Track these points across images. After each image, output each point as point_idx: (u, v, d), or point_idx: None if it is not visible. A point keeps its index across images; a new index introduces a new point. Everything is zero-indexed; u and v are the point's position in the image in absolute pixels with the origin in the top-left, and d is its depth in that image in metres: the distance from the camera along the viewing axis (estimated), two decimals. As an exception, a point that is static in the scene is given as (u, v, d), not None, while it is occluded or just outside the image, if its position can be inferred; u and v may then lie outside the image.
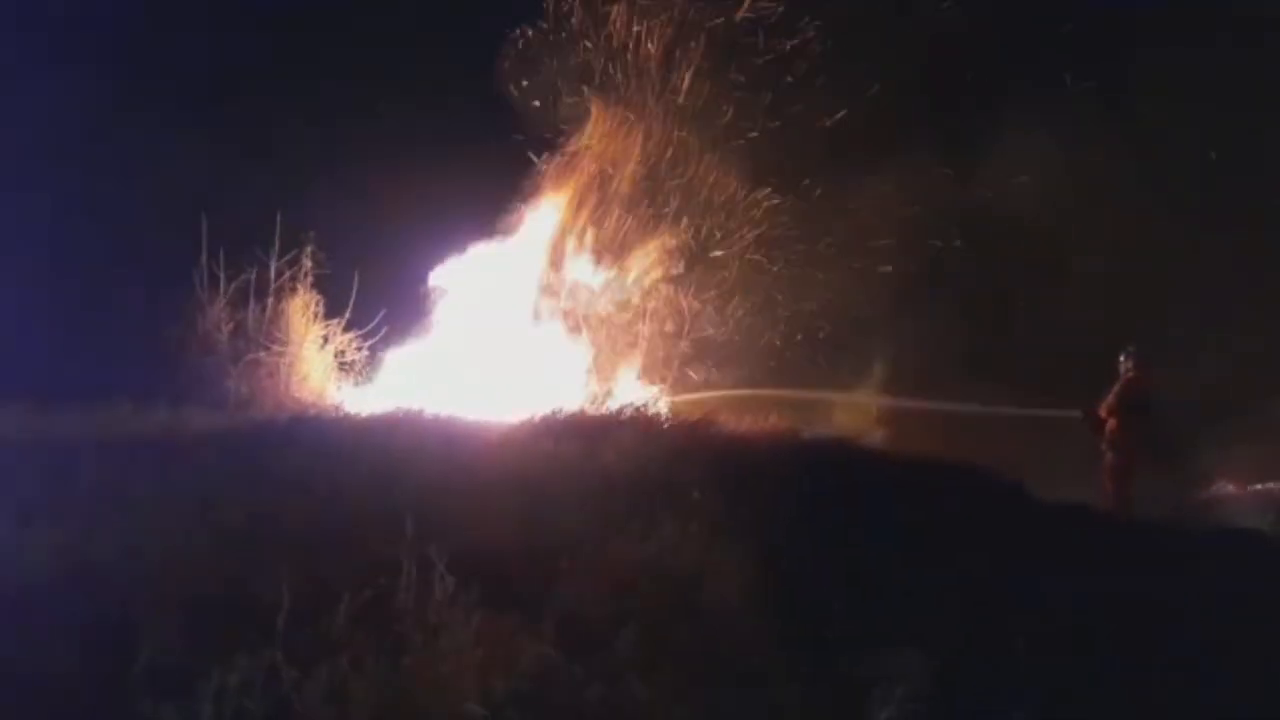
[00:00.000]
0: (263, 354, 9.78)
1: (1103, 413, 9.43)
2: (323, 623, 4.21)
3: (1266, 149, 12.74)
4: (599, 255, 11.73)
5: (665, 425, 8.81)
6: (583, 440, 7.73)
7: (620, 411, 9.16)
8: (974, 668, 4.91)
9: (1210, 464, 11.65)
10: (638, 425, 8.61)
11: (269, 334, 9.87)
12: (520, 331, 11.37)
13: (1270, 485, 11.85)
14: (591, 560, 5.41)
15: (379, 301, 10.47)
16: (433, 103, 11.67)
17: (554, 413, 8.78)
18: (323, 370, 10.08)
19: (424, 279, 11.17)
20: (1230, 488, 11.46)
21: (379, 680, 3.92)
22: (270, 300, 9.95)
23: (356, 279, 10.16)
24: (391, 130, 11.82)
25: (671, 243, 11.94)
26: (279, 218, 9.88)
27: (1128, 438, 9.33)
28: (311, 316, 10.13)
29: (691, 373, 11.91)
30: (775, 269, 12.18)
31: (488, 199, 11.53)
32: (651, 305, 11.93)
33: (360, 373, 10.36)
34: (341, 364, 10.26)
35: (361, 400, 9.82)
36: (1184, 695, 5.12)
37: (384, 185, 11.03)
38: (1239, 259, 12.62)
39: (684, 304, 11.96)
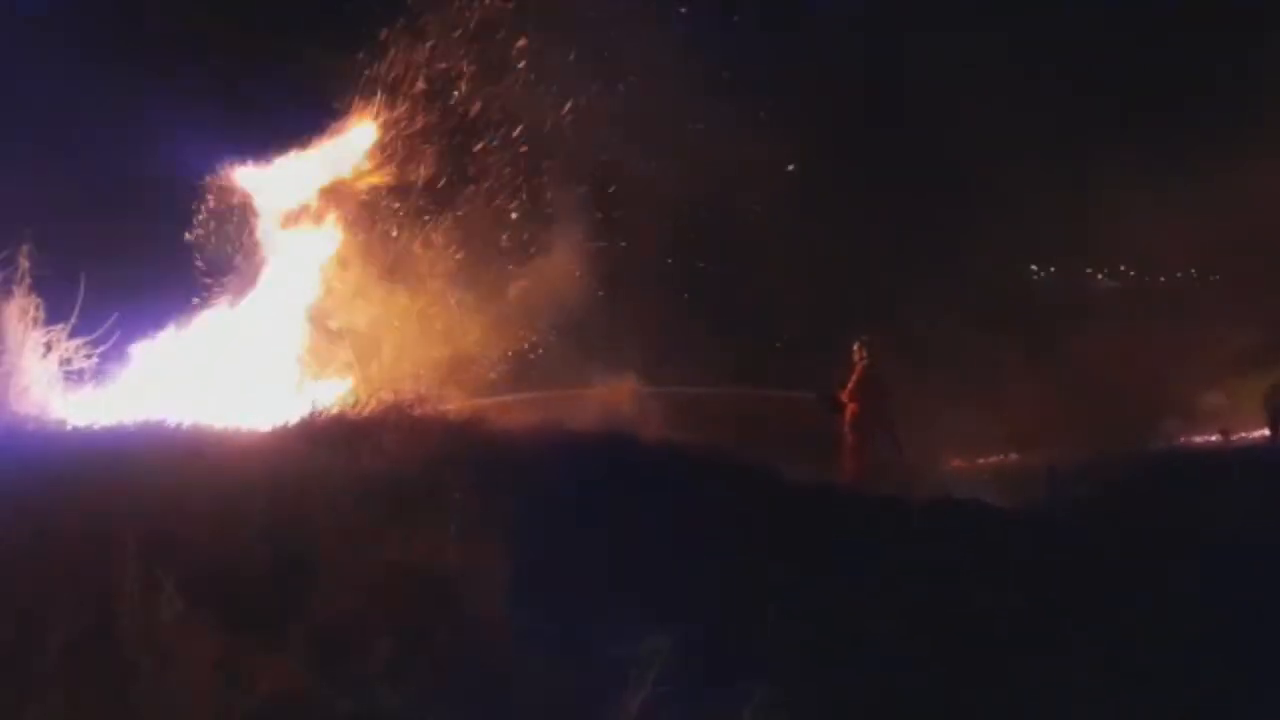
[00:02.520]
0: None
1: (844, 397, 10.14)
2: (34, 658, 3.84)
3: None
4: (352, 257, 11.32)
5: (429, 426, 8.62)
6: (341, 444, 7.45)
7: (382, 413, 8.87)
8: (725, 651, 5.13)
9: (943, 441, 12.71)
10: (400, 427, 8.39)
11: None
12: (275, 334, 10.80)
13: (993, 458, 13.14)
14: (345, 569, 5.24)
15: (113, 305, 9.64)
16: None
17: (311, 417, 8.40)
18: (46, 381, 9.16)
19: (163, 280, 10.40)
20: (958, 462, 12.59)
21: (100, 716, 3.62)
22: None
23: (84, 280, 9.30)
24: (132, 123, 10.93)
25: (428, 245, 11.70)
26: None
27: (867, 419, 10.07)
28: (31, 322, 9.19)
29: (459, 375, 11.71)
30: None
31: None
32: (416, 306, 11.66)
33: (91, 382, 9.50)
34: (68, 373, 9.37)
35: (93, 412, 9.00)
36: (918, 671, 5.56)
37: (118, 179, 10.19)
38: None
39: (448, 306, 11.76)
